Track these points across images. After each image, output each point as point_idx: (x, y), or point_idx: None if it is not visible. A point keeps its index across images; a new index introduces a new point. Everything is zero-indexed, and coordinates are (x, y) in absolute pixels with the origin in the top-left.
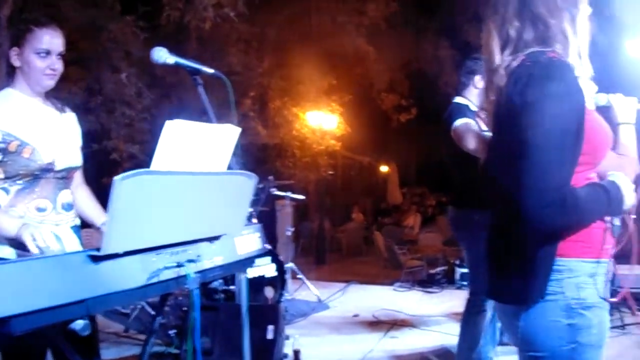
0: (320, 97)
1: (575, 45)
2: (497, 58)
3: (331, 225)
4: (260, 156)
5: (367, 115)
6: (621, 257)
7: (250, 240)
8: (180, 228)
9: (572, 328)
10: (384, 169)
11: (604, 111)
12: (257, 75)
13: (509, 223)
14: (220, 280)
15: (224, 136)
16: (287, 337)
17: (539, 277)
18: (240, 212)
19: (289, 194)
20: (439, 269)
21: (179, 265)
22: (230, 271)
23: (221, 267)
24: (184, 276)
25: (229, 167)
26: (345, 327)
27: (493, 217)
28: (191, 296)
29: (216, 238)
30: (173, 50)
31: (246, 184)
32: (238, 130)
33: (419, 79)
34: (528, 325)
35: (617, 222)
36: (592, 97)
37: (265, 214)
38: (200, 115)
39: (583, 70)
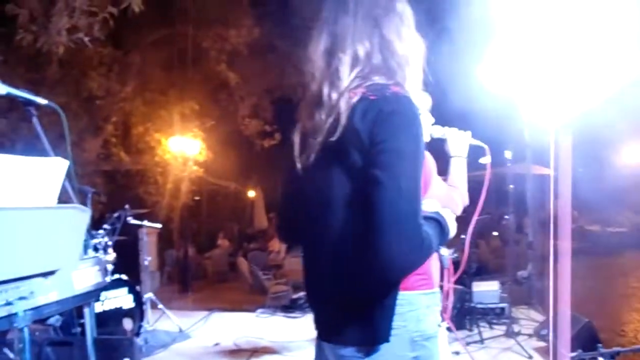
0: (182, 122)
1: (416, 75)
2: (345, 80)
3: (196, 252)
4: (123, 182)
5: (231, 141)
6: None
7: (89, 274)
8: (10, 264)
9: None
10: (251, 194)
11: (439, 143)
12: (120, 99)
13: (346, 264)
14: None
15: (50, 169)
16: None
17: (387, 315)
18: (74, 245)
19: (145, 222)
20: (301, 294)
21: (8, 304)
22: (68, 306)
23: (57, 302)
24: (15, 314)
25: (68, 200)
26: (205, 356)
27: (313, 256)
28: (22, 334)
29: (51, 273)
30: (33, 73)
31: (79, 216)
32: (66, 163)
33: (283, 105)
34: None
35: (444, 252)
36: (428, 129)
37: (127, 244)
38: (56, 145)
39: (421, 102)
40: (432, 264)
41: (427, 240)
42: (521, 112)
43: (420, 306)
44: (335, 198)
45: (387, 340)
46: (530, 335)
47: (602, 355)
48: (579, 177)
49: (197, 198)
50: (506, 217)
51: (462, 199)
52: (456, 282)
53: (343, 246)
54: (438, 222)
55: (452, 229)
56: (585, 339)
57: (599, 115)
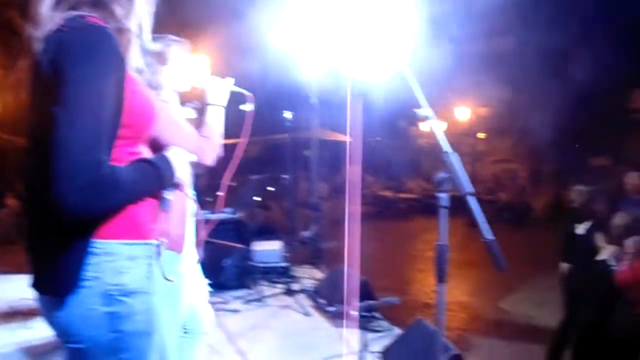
0: None
1: (140, 13)
2: (46, 15)
3: None
4: None
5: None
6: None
7: None
8: None
9: (112, 316)
10: None
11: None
12: None
13: (40, 207)
14: None
15: None
16: None
17: (73, 264)
18: None
19: None
20: None
21: None
22: None
23: None
24: None
25: None
26: None
27: (25, 200)
28: None
29: None
30: None
31: None
32: None
33: None
34: (66, 315)
35: (169, 196)
36: (187, 76)
37: None
38: None
39: (144, 42)
40: (143, 211)
41: (114, 179)
42: (314, 80)
43: (120, 257)
44: (40, 136)
45: (72, 292)
46: (310, 293)
47: (365, 308)
48: (376, 146)
49: None
50: (284, 176)
51: (213, 150)
52: (238, 242)
53: (37, 187)
54: (152, 164)
55: (180, 171)
56: (362, 296)
57: (397, 86)
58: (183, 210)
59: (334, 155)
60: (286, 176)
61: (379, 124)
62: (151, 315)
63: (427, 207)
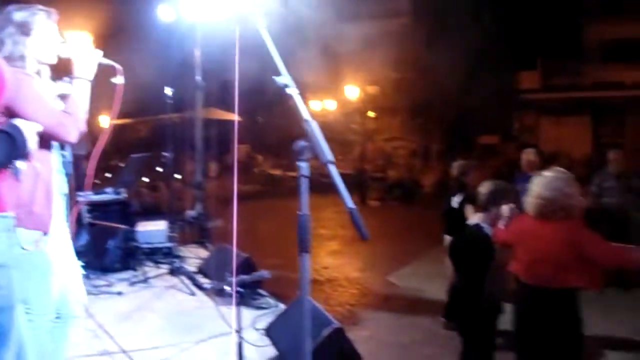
0: None
1: None
2: None
3: None
4: None
5: None
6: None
7: None
8: None
9: None
10: None
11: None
12: None
13: None
14: None
15: None
16: None
17: None
18: None
19: None
20: None
21: None
22: None
23: None
24: None
25: None
26: None
27: None
28: None
29: None
30: None
31: None
32: None
33: None
34: None
35: (21, 165)
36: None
37: None
38: None
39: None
40: None
41: None
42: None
43: None
44: None
45: None
46: (192, 273)
47: (240, 284)
48: (266, 124)
49: None
50: (165, 154)
51: (75, 126)
52: (123, 223)
53: None
54: (8, 134)
55: (30, 141)
56: (245, 273)
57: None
58: (48, 190)
59: (224, 134)
60: (167, 154)
61: (269, 103)
62: (11, 290)
63: (318, 185)
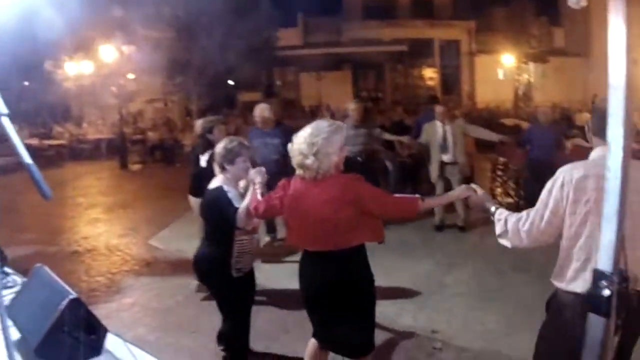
0: None
1: None
2: None
3: None
4: None
5: None
6: None
7: None
8: None
9: None
10: None
11: None
12: None
13: None
14: None
15: None
16: None
17: None
18: None
19: None
20: None
21: None
22: None
23: None
24: None
25: None
26: None
27: None
28: None
29: None
30: None
31: None
32: None
33: None
34: None
35: None
36: None
37: None
38: None
39: None
40: None
41: None
42: None
43: None
44: None
45: None
46: None
47: None
48: (22, 91)
49: None
50: None
51: None
52: None
53: None
54: None
55: None
56: None
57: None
58: None
59: None
60: None
61: (23, 68)
62: None
63: (76, 152)
